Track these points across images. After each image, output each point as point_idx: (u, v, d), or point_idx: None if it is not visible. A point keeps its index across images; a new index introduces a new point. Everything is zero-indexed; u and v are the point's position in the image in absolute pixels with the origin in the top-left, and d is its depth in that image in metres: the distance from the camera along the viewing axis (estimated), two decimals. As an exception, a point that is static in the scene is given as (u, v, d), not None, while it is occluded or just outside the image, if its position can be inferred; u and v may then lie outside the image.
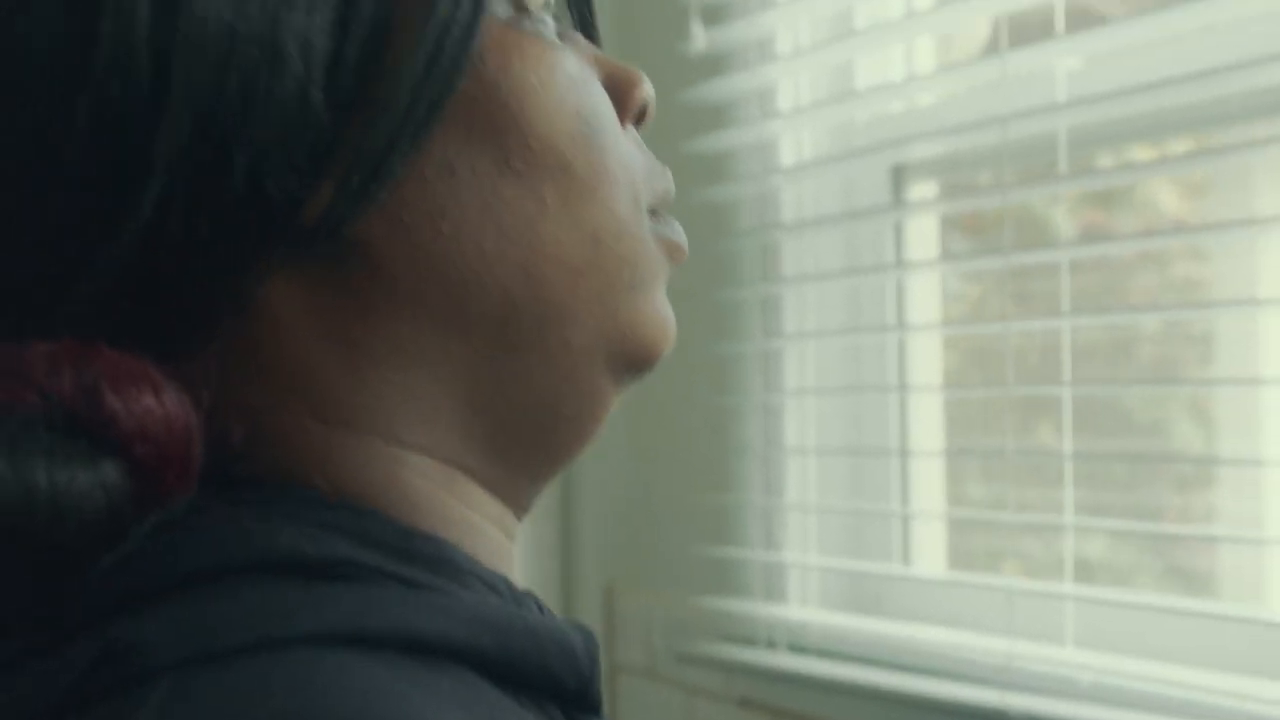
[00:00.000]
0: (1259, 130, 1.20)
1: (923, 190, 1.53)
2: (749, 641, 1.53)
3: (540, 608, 0.57)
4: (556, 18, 0.59)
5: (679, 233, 0.62)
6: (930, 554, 1.52)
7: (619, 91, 0.61)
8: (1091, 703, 1.19)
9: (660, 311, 0.61)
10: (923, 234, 1.53)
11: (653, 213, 0.61)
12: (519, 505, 0.60)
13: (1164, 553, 1.39)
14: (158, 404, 0.47)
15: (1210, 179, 1.32)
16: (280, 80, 0.49)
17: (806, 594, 1.53)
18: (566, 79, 0.57)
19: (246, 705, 0.43)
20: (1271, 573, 1.26)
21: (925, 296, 1.52)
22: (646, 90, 0.62)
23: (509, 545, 0.59)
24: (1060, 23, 1.24)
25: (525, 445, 0.58)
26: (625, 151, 0.59)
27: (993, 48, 1.49)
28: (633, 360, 0.60)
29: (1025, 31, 1.31)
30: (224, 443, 0.51)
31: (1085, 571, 1.34)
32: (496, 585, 0.54)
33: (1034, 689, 1.23)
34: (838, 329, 1.54)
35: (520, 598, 0.55)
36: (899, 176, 1.51)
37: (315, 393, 0.53)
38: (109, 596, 0.47)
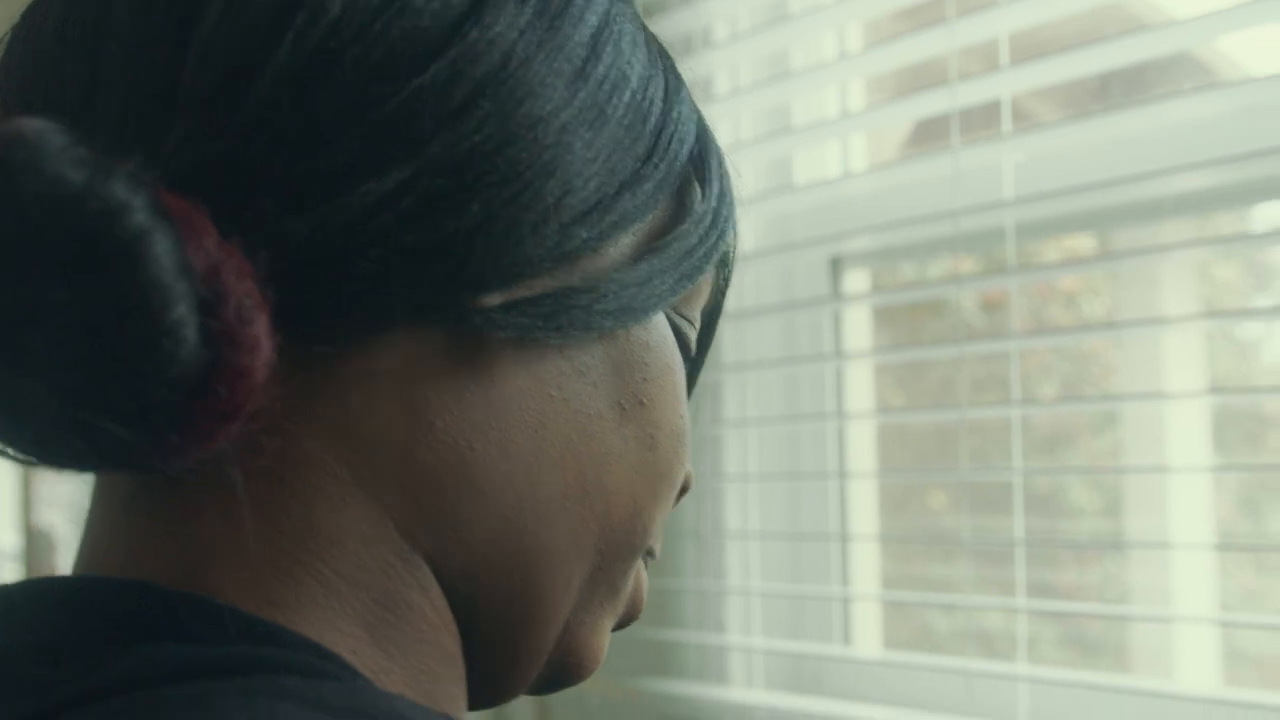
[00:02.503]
0: (1165, 228, 1.26)
1: (859, 279, 1.57)
2: (693, 723, 1.54)
3: None
4: None
5: (644, 595, 0.67)
6: (868, 634, 1.55)
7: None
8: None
9: (605, 644, 0.64)
10: (857, 322, 1.57)
11: (647, 552, 0.65)
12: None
13: (1068, 624, 1.43)
14: (263, 369, 0.46)
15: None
16: (537, 189, 0.53)
17: (750, 675, 1.55)
18: (682, 387, 0.63)
19: None
20: (1179, 645, 1.31)
21: (860, 383, 1.56)
22: (690, 490, 0.68)
23: (465, 684, 0.59)
24: (1007, 122, 1.29)
25: (480, 634, 0.58)
26: (672, 497, 0.64)
27: (917, 140, 1.55)
28: (561, 673, 0.63)
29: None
30: (252, 446, 0.49)
31: (987, 644, 1.38)
32: None
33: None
34: (777, 416, 1.57)
35: None
36: (837, 266, 1.55)
37: (364, 446, 0.53)
38: None
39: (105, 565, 0.54)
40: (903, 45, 1.35)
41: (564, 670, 0.63)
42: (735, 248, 0.68)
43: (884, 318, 1.60)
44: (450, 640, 0.56)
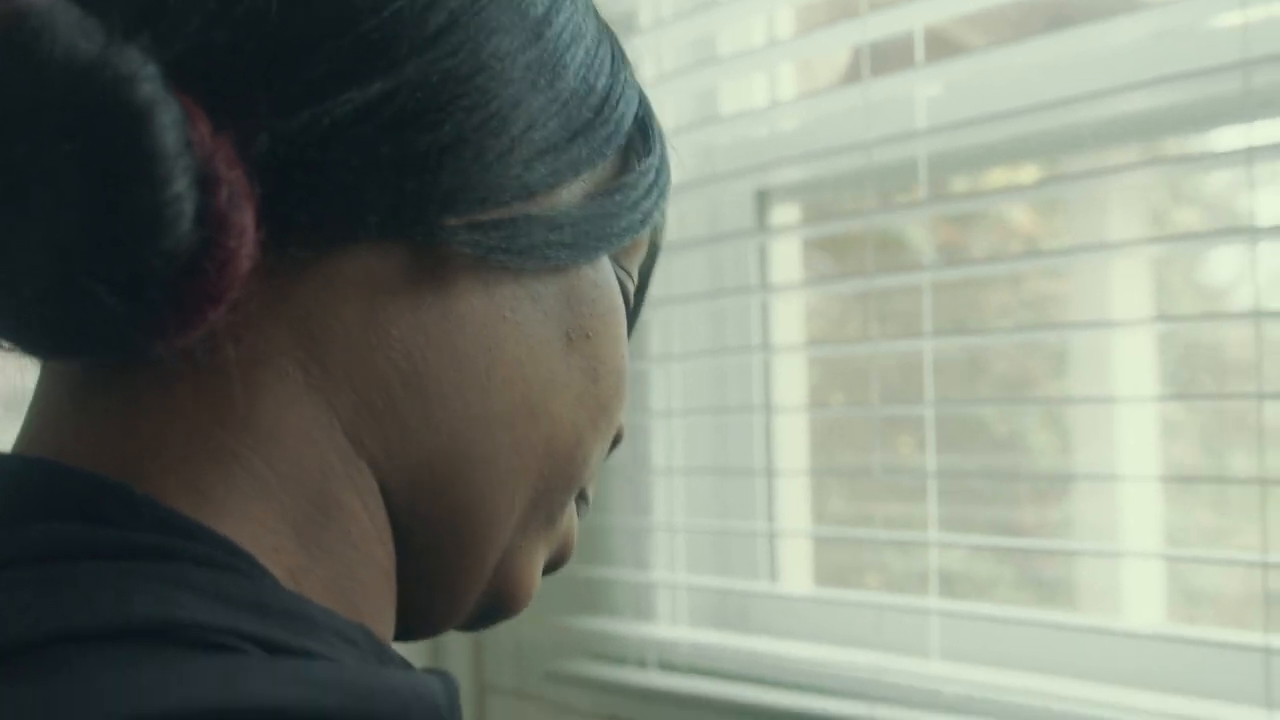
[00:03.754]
0: (1109, 156, 1.24)
1: (786, 213, 1.55)
2: (619, 660, 1.54)
3: (399, 660, 0.57)
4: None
5: (575, 538, 0.70)
6: (797, 571, 1.55)
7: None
8: (956, 714, 1.22)
9: (537, 578, 0.67)
10: (786, 255, 1.55)
11: (579, 499, 0.69)
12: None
13: (1021, 564, 1.43)
14: (247, 258, 0.49)
15: (1063, 200, 1.36)
16: (504, 121, 0.57)
17: (675, 612, 1.54)
18: (624, 331, 0.67)
19: None
20: (1125, 582, 1.30)
21: (789, 317, 1.55)
22: (622, 440, 0.71)
23: (394, 597, 0.59)
24: (920, 51, 1.27)
25: (419, 550, 0.59)
26: (610, 434, 0.67)
27: (854, 73, 1.53)
28: (495, 603, 0.65)
29: (887, 58, 1.34)
30: (221, 339, 0.52)
31: (947, 584, 1.38)
32: (357, 639, 0.53)
33: (900, 701, 1.26)
34: (703, 350, 1.56)
35: (380, 650, 0.55)
36: (763, 200, 1.54)
37: (319, 348, 0.55)
38: None
39: (42, 447, 0.55)
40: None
41: (498, 602, 0.65)
42: (664, 223, 0.73)
43: (826, 253, 1.59)
44: (382, 551, 0.57)
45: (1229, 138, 1.18)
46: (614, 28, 0.68)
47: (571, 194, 0.61)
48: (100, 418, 0.54)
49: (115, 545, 0.49)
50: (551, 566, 0.69)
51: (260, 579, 0.51)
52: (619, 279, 0.66)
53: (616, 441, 0.70)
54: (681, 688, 1.44)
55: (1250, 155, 1.03)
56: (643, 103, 0.68)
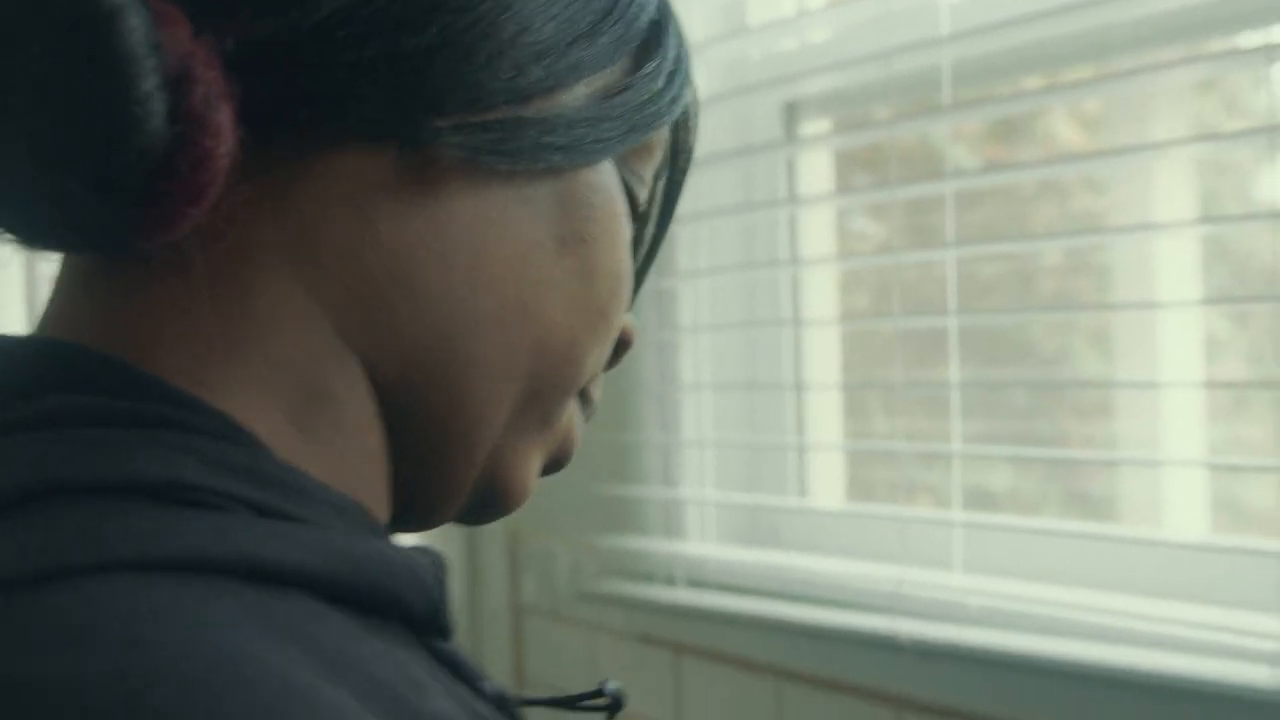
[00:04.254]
0: (1147, 57, 1.21)
1: (816, 126, 1.53)
2: (648, 578, 1.54)
3: (386, 535, 0.59)
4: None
5: (577, 439, 0.69)
6: (827, 486, 1.54)
7: (624, 325, 0.70)
8: (979, 626, 1.21)
9: (533, 479, 0.67)
10: (817, 170, 1.53)
11: (582, 395, 0.68)
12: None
13: (1065, 479, 1.41)
14: (225, 156, 0.50)
15: (1106, 111, 1.33)
16: (496, 24, 0.56)
17: (704, 529, 1.54)
18: (624, 235, 0.65)
19: (64, 633, 0.43)
20: (1168, 495, 1.28)
21: (819, 232, 1.53)
22: (631, 346, 0.71)
23: (386, 484, 0.60)
24: (943, -45, 1.25)
25: (405, 445, 0.60)
26: (612, 336, 0.67)
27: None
28: (487, 500, 0.65)
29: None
30: (208, 236, 0.53)
31: (987, 500, 1.36)
32: (349, 511, 0.55)
33: (923, 614, 1.25)
34: (732, 265, 1.55)
35: (372, 526, 0.57)
36: (791, 113, 1.52)
37: (311, 246, 0.56)
38: None
39: (57, 330, 0.57)
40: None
41: (491, 497, 0.65)
42: (694, 126, 0.71)
43: (856, 167, 1.57)
44: (374, 438, 0.58)
45: (1267, 36, 1.15)
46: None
47: (574, 96, 0.60)
48: (106, 305, 0.55)
49: (122, 414, 0.51)
50: (552, 466, 0.69)
51: (258, 452, 0.53)
52: (627, 183, 0.65)
53: (623, 347, 0.70)
54: (710, 604, 1.44)
55: None
56: (662, 6, 0.66)
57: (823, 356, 1.54)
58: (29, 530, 0.46)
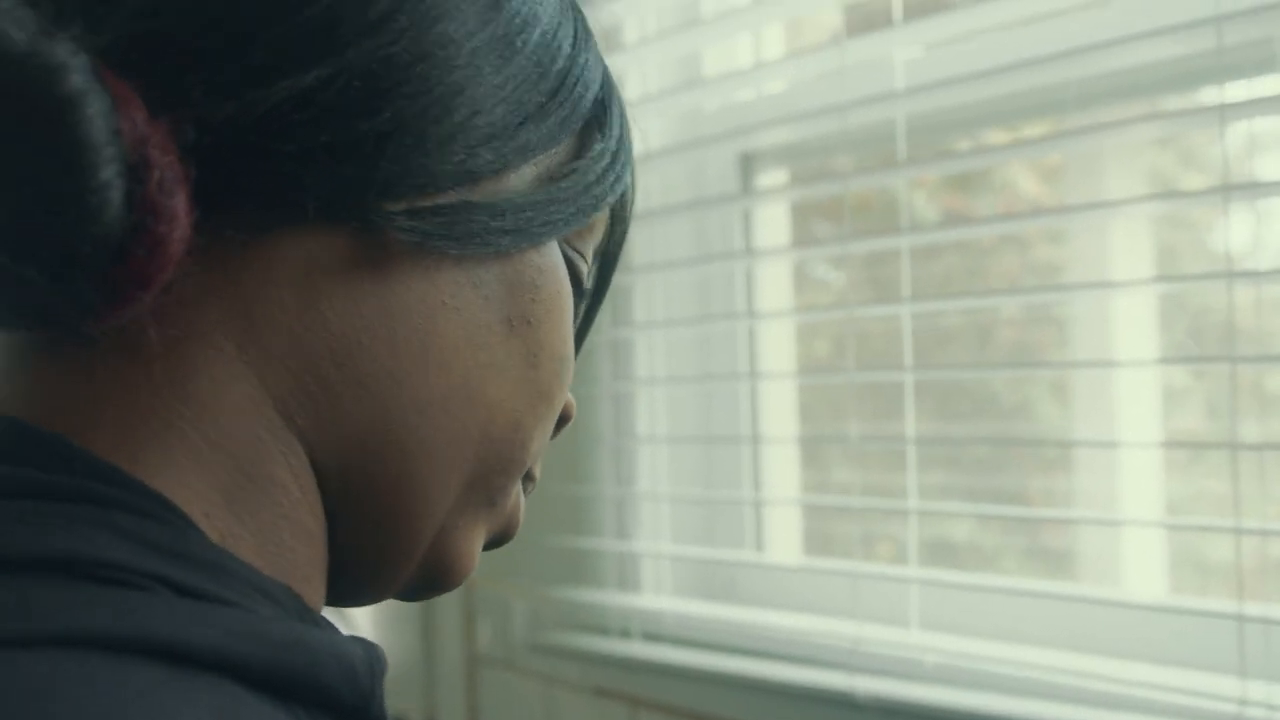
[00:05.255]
0: (1104, 113, 1.21)
1: (772, 177, 1.53)
2: (604, 631, 1.53)
3: (323, 622, 0.58)
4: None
5: (520, 518, 0.69)
6: (784, 540, 1.53)
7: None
8: (936, 684, 1.21)
9: (476, 556, 0.67)
10: (773, 221, 1.53)
11: (525, 475, 0.68)
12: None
13: (1023, 533, 1.41)
14: (179, 241, 0.49)
15: (1065, 162, 1.33)
16: (446, 107, 0.57)
17: (660, 582, 1.53)
18: (568, 317, 0.66)
19: None
20: (1127, 552, 1.28)
21: (776, 283, 1.53)
22: (572, 418, 0.72)
23: (324, 566, 0.60)
24: (899, 11, 1.25)
25: (348, 524, 0.60)
26: (554, 418, 0.67)
27: (839, 35, 1.50)
28: (430, 577, 0.65)
29: (869, 19, 1.32)
30: (155, 316, 0.52)
31: (945, 554, 1.36)
32: (278, 596, 0.55)
33: (879, 671, 1.25)
34: (687, 318, 1.55)
35: (303, 611, 0.56)
36: (747, 164, 1.52)
37: (255, 328, 0.55)
38: None
39: None
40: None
41: (434, 575, 0.65)
42: (632, 200, 0.72)
43: (813, 219, 1.57)
44: (313, 520, 0.58)
45: (1223, 94, 1.15)
46: None
47: (521, 178, 0.61)
48: (42, 379, 0.55)
49: (45, 487, 0.50)
50: (494, 543, 0.69)
51: (185, 531, 0.52)
52: (570, 259, 0.66)
53: (564, 422, 0.71)
54: (666, 658, 1.43)
55: (1253, 109, 1.01)
56: (605, 83, 0.67)
57: (779, 409, 1.53)
58: None
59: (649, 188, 1.55)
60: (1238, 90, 1.03)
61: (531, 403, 0.64)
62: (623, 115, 0.68)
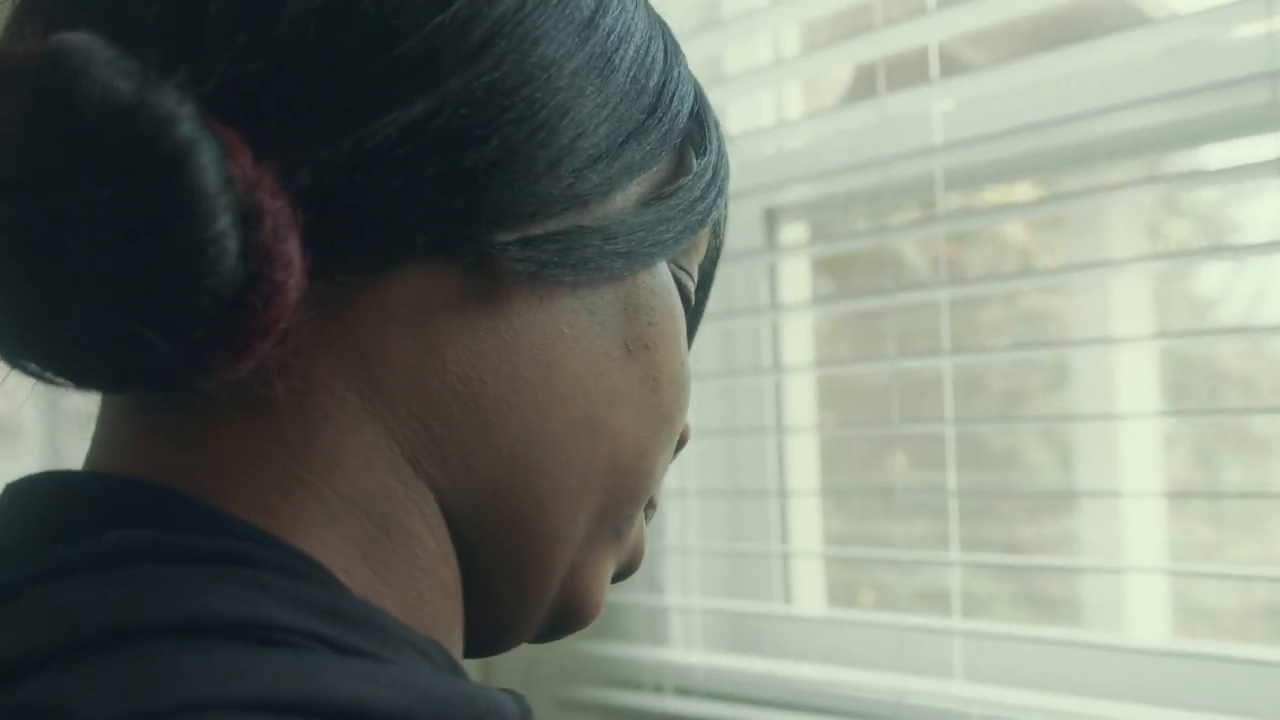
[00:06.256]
0: (1111, 173, 1.24)
1: (794, 232, 1.54)
2: (634, 686, 1.53)
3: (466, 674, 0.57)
4: None
5: (644, 545, 0.68)
6: (811, 590, 1.53)
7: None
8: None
9: (606, 589, 0.65)
10: (796, 274, 1.54)
11: (647, 505, 0.67)
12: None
13: (1022, 580, 1.42)
14: (296, 288, 0.49)
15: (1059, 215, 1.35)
16: (553, 130, 0.56)
17: (690, 636, 1.53)
18: (684, 337, 0.65)
19: None
20: (1129, 598, 1.29)
21: (798, 336, 1.54)
22: (688, 440, 0.70)
23: (461, 616, 0.59)
24: (935, 67, 1.27)
25: (482, 566, 0.59)
26: (674, 443, 0.66)
27: (858, 92, 1.52)
28: (564, 614, 0.64)
29: (894, 75, 1.33)
30: (273, 368, 0.52)
31: (946, 601, 1.37)
32: (429, 651, 0.54)
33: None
34: (713, 371, 1.55)
35: (453, 665, 0.55)
36: (772, 219, 1.53)
37: (376, 374, 0.54)
38: (26, 647, 0.46)
39: (111, 466, 0.55)
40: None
41: (566, 615, 0.64)
42: (726, 215, 0.71)
43: (825, 272, 1.58)
44: (448, 571, 0.57)
45: (1246, 151, 1.18)
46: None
47: (626, 198, 0.60)
48: (164, 443, 0.54)
49: (193, 550, 0.49)
50: (621, 575, 0.68)
51: (336, 588, 0.51)
52: (679, 280, 0.65)
53: (682, 443, 0.69)
54: (699, 713, 1.43)
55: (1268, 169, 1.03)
56: (698, 97, 0.66)
57: (802, 461, 1.54)
58: (113, 673, 0.44)
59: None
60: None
61: (655, 428, 0.63)
62: (718, 128, 0.67)
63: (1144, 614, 1.29)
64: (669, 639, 1.53)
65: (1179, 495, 1.26)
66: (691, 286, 0.67)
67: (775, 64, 1.43)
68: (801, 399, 1.54)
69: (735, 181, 1.50)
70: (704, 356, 1.56)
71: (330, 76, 0.52)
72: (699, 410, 1.55)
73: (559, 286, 0.58)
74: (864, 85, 1.55)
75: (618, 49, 0.60)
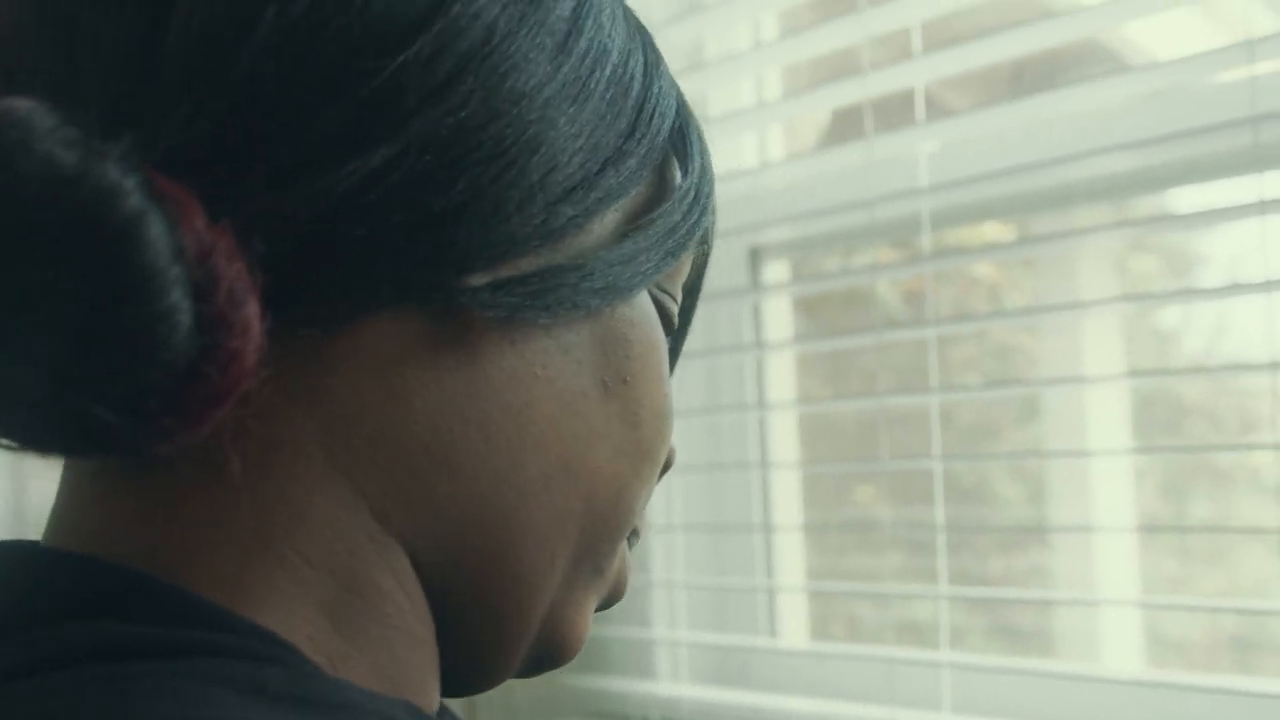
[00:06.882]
0: (1085, 211, 1.27)
1: (777, 270, 1.56)
2: (620, 719, 1.54)
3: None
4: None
5: (628, 576, 0.66)
6: (794, 623, 1.55)
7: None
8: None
9: (589, 624, 0.63)
10: (779, 313, 1.56)
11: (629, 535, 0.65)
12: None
13: (995, 612, 1.44)
14: (253, 353, 0.46)
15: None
16: (523, 166, 0.53)
17: (676, 669, 1.54)
18: (665, 366, 0.62)
19: None
20: (1102, 630, 1.32)
21: (781, 373, 1.56)
22: (673, 464, 0.67)
23: (437, 667, 0.58)
24: (921, 110, 1.29)
25: (461, 613, 0.57)
26: (655, 475, 0.63)
27: (837, 132, 1.55)
28: (547, 652, 0.62)
29: (881, 117, 1.36)
30: (234, 429, 0.49)
31: (921, 634, 1.38)
32: (396, 716, 0.52)
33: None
34: (697, 408, 1.57)
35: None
36: (756, 257, 1.55)
37: (341, 428, 0.52)
38: None
39: (69, 537, 0.53)
40: (815, 35, 1.35)
41: (548, 653, 0.62)
42: (714, 225, 0.67)
43: (806, 310, 1.60)
44: (421, 626, 0.55)
45: (1219, 192, 1.21)
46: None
47: (604, 227, 0.57)
48: (123, 509, 0.52)
49: (149, 644, 0.47)
50: (605, 605, 0.66)
51: (300, 668, 0.50)
52: (660, 303, 0.62)
53: (666, 468, 0.66)
54: (686, 745, 1.44)
55: (1262, 208, 1.06)
56: (680, 109, 0.63)
57: (785, 496, 1.56)
58: None
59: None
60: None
61: (635, 466, 0.60)
62: (701, 140, 0.64)
63: (1117, 645, 1.31)
64: (655, 672, 1.54)
65: (1149, 530, 1.28)
66: (675, 308, 0.64)
67: (758, 107, 1.45)
68: (784, 434, 1.56)
69: (720, 221, 1.52)
70: (689, 393, 1.58)
71: (288, 126, 0.49)
72: (684, 446, 1.57)
73: (532, 329, 0.56)
74: (843, 126, 1.58)
75: (593, 72, 0.56)
